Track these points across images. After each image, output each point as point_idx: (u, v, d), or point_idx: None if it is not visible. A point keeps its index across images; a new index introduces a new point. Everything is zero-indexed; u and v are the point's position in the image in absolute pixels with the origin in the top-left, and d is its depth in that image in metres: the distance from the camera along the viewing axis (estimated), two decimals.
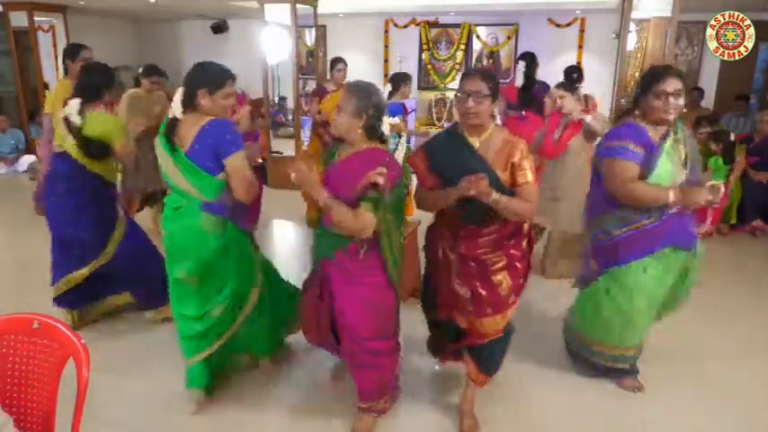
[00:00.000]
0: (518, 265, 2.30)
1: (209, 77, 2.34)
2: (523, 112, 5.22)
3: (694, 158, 2.54)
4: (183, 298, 2.49)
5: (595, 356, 2.76)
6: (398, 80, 5.12)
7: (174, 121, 2.36)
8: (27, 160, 7.88)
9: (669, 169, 2.43)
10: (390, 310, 2.31)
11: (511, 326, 2.41)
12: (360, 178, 2.09)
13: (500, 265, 2.25)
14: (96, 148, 3.05)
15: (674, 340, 3.23)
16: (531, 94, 5.23)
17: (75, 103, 3.01)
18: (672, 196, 2.37)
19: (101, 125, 3.02)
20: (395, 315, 2.35)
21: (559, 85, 3.97)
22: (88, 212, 3.12)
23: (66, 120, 3.03)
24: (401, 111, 5.21)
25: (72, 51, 3.76)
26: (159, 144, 2.40)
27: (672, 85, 2.38)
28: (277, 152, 6.96)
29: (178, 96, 2.36)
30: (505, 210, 2.12)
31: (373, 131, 2.21)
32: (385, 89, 5.06)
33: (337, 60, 5.39)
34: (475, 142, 2.22)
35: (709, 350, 3.15)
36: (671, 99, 2.38)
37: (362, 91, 2.18)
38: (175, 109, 2.35)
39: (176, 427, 2.49)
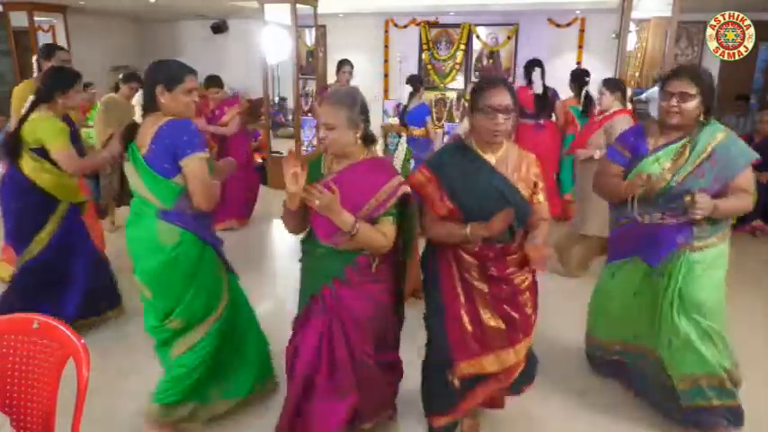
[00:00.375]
0: (535, 280, 2.19)
1: (167, 73, 2.23)
2: (541, 121, 5.25)
3: (716, 169, 2.26)
4: (146, 308, 2.38)
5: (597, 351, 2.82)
6: (417, 81, 5.15)
7: (134, 124, 2.26)
8: None
9: (656, 171, 2.29)
10: (395, 322, 2.25)
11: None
12: (369, 191, 1.96)
13: (527, 283, 2.12)
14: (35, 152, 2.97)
15: None
16: (548, 101, 5.23)
17: (26, 104, 2.98)
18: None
19: (34, 128, 2.94)
20: (398, 327, 2.29)
21: (607, 84, 4.03)
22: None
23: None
24: (428, 111, 5.24)
25: (47, 51, 3.72)
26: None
27: (676, 86, 2.24)
28: (277, 152, 6.96)
29: (137, 98, 2.29)
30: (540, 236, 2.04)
31: (370, 139, 2.09)
32: (402, 88, 5.14)
33: (344, 62, 5.49)
34: (491, 159, 2.03)
35: None
36: (673, 101, 2.24)
37: (349, 100, 2.00)
38: (137, 111, 2.29)
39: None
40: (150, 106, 2.24)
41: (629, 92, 4.00)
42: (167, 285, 2.26)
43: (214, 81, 5.21)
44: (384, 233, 1.96)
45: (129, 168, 2.24)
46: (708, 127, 2.30)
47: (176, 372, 2.34)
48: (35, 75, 3.77)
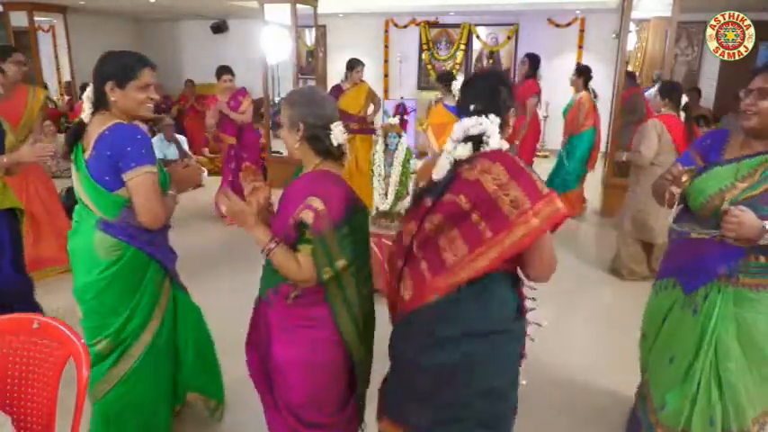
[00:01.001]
0: None
1: (118, 67, 1.92)
2: None
3: None
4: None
5: None
6: (450, 79, 5.15)
7: (81, 124, 1.98)
8: None
9: (715, 185, 1.85)
10: (337, 375, 1.78)
11: None
12: (292, 210, 1.64)
13: None
14: None
15: None
16: None
17: None
18: None
19: None
20: (343, 384, 1.81)
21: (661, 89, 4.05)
22: None
23: None
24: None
25: (2, 53, 3.67)
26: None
27: (755, 82, 1.82)
28: (277, 152, 6.96)
29: (87, 93, 2.00)
30: None
31: (317, 143, 1.70)
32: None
33: (357, 62, 5.59)
34: None
35: None
36: (750, 99, 1.82)
37: (293, 98, 1.75)
38: (84, 110, 2.00)
39: (176, 426, 2.49)
40: (100, 104, 1.96)
41: (683, 98, 3.93)
42: (98, 305, 2.01)
43: (226, 69, 5.27)
44: (299, 263, 1.63)
45: (73, 170, 2.00)
46: None
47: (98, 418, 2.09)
48: None
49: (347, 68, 5.50)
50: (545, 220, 1.44)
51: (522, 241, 1.44)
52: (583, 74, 5.49)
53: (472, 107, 1.61)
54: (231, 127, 5.20)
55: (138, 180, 1.88)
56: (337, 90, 5.59)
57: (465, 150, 1.58)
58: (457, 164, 1.60)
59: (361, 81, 5.60)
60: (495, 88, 1.63)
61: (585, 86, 5.47)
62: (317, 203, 1.59)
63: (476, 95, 1.63)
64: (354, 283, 1.71)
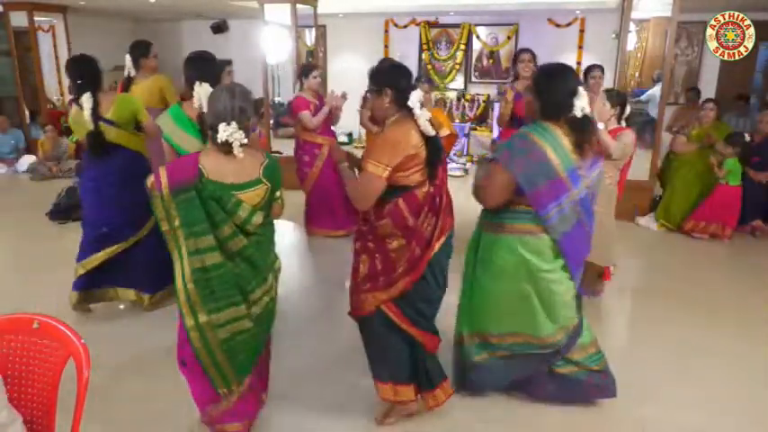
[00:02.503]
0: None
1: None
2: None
3: None
4: None
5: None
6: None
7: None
8: (27, 160, 7.87)
9: None
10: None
11: None
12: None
13: None
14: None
15: (673, 340, 3.23)
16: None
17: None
18: None
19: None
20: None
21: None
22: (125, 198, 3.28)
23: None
24: None
25: (144, 49, 4.03)
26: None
27: None
28: (277, 152, 6.97)
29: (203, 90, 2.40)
30: None
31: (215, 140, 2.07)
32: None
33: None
34: None
35: (709, 349, 3.15)
36: None
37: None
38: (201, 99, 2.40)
39: (176, 426, 2.49)
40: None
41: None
42: None
43: (315, 68, 5.06)
44: None
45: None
46: None
47: None
48: None
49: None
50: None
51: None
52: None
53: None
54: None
55: None
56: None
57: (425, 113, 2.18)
58: None
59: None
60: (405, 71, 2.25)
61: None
62: (161, 171, 2.03)
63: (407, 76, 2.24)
64: (188, 244, 2.03)
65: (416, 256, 2.19)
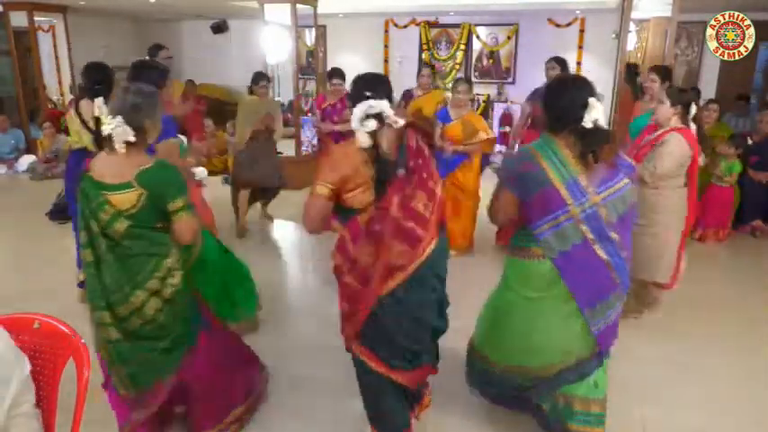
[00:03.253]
0: None
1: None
2: None
3: None
4: None
5: None
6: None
7: None
8: (27, 160, 7.88)
9: None
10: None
11: None
12: None
13: None
14: None
15: (673, 340, 3.23)
16: None
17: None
18: None
19: None
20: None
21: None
22: None
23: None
24: None
25: (154, 49, 4.18)
26: None
27: None
28: (278, 152, 6.95)
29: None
30: None
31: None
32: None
33: (425, 66, 5.84)
34: None
35: (709, 349, 3.15)
36: None
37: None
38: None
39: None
40: None
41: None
42: None
43: (337, 73, 5.20)
44: None
45: None
46: None
47: None
48: None
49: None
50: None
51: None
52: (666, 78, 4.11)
53: (368, 94, 1.98)
54: (335, 133, 5.10)
55: None
56: (408, 95, 5.87)
57: (372, 124, 1.95)
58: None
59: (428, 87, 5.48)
60: (380, 81, 2.10)
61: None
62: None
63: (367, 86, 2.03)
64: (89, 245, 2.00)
65: (355, 291, 1.99)
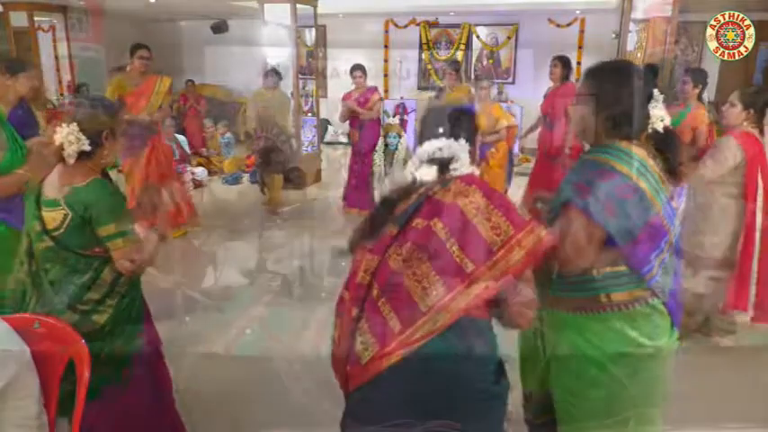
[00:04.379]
0: None
1: None
2: None
3: None
4: None
5: None
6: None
7: None
8: None
9: None
10: None
11: None
12: None
13: None
14: None
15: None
16: None
17: None
18: None
19: None
20: None
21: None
22: None
23: None
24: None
25: (131, 49, 4.31)
26: None
27: None
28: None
29: None
30: None
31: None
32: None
33: (452, 62, 6.00)
34: None
35: (711, 350, 3.15)
36: None
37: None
38: None
39: None
40: None
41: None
42: None
43: (358, 66, 5.50)
44: None
45: None
46: None
47: None
48: None
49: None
50: (530, 250, 1.31)
51: (506, 273, 1.30)
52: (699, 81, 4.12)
53: (440, 129, 1.49)
54: (355, 120, 5.41)
55: None
56: (440, 92, 5.99)
57: (431, 172, 1.44)
58: (424, 186, 1.45)
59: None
60: (463, 115, 1.57)
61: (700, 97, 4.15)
62: None
63: (443, 119, 1.52)
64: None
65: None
